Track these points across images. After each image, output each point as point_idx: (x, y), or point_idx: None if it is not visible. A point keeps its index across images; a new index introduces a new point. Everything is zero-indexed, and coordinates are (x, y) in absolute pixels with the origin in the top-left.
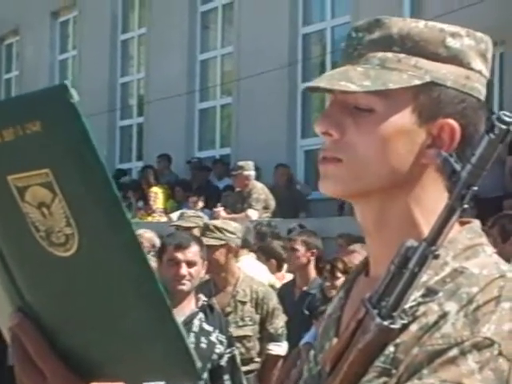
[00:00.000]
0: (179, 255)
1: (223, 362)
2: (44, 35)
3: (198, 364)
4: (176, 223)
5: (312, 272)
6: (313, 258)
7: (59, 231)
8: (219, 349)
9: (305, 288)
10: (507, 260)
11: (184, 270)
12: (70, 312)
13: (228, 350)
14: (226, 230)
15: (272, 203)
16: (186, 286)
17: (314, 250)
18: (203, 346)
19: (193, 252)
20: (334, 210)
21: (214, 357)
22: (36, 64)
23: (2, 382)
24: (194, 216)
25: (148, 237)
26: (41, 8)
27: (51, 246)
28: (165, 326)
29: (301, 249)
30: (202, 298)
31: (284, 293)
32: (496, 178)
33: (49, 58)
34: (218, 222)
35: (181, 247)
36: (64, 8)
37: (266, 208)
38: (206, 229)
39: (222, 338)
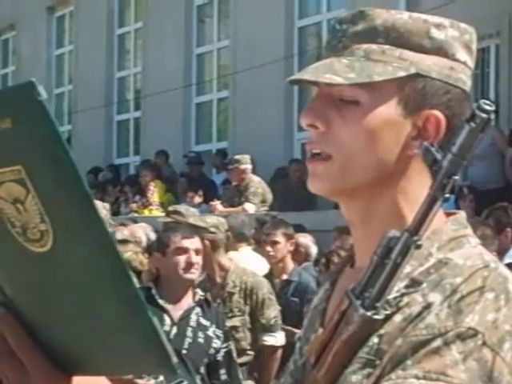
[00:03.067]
0: (188, 244)
1: (220, 357)
2: (40, 30)
3: (174, 359)
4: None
5: (290, 262)
6: (292, 248)
7: (34, 227)
8: (216, 343)
9: (285, 277)
10: (503, 251)
11: (194, 257)
12: (49, 307)
13: (225, 345)
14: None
15: (269, 197)
16: (195, 274)
17: (293, 240)
18: (200, 340)
19: (197, 242)
20: (332, 202)
21: (211, 351)
22: (33, 59)
23: None
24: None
25: (143, 230)
26: (37, 3)
27: (27, 241)
28: (139, 321)
29: (281, 241)
30: (199, 292)
31: None
32: (497, 170)
33: (45, 53)
34: (191, 220)
35: (188, 237)
36: (60, 3)
37: (263, 202)
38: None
39: (219, 332)
